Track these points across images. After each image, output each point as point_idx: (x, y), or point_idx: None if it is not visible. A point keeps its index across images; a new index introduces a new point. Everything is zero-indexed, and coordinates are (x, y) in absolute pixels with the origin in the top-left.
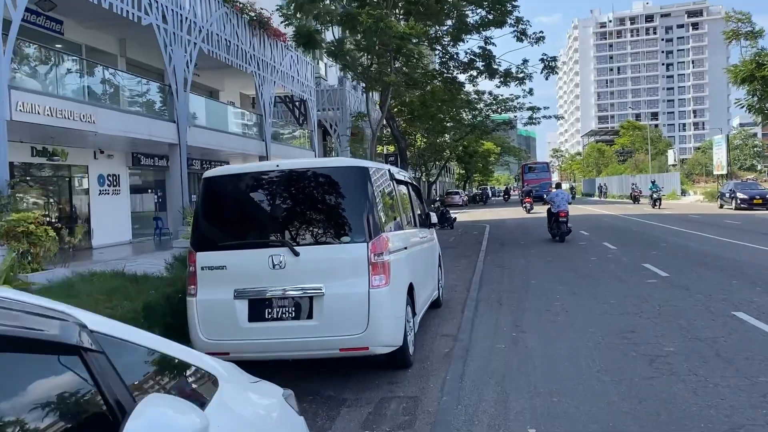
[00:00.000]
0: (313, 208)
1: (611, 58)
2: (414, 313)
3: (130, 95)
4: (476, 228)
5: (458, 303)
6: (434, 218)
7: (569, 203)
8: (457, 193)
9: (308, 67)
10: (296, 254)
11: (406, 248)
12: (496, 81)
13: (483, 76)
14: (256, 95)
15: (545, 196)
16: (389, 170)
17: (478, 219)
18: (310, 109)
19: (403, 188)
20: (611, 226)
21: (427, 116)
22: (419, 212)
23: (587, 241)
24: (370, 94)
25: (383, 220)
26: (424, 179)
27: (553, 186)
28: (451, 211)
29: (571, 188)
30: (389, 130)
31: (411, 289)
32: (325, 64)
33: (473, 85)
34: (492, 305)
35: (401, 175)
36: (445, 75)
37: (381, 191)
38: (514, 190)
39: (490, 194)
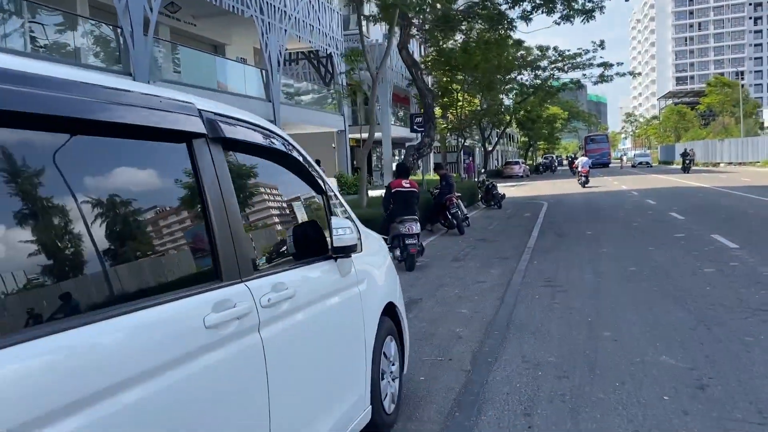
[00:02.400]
0: None
1: (691, 13)
2: None
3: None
4: (530, 207)
5: (446, 393)
6: (345, 237)
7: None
8: (516, 162)
9: (334, 15)
10: None
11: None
12: (556, 16)
13: (539, 10)
14: (260, 46)
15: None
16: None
17: (535, 194)
18: (337, 66)
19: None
20: (713, 206)
21: (469, 65)
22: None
23: (685, 229)
24: (362, 17)
25: None
26: (476, 146)
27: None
28: (509, 183)
29: (621, 156)
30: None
31: None
32: (368, 17)
33: (526, 24)
34: (516, 415)
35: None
36: (489, 8)
37: None
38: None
39: (556, 163)
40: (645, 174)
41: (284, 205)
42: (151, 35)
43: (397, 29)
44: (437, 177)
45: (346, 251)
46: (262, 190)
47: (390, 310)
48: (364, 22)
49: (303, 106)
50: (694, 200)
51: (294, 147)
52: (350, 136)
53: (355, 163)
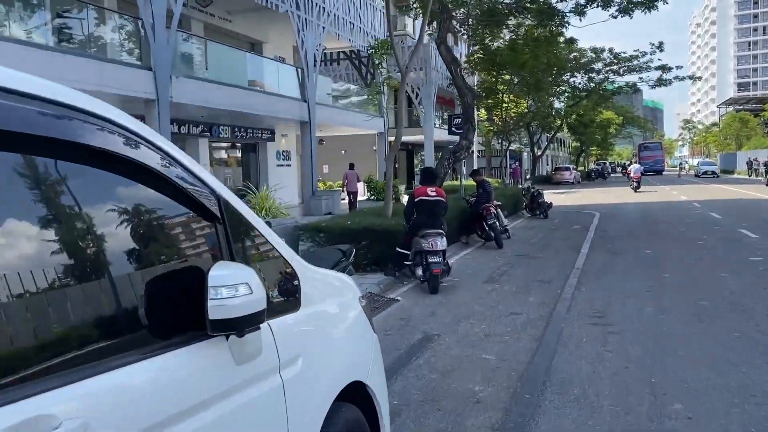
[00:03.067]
0: None
1: (755, 17)
2: None
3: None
4: (580, 218)
5: None
6: (233, 301)
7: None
8: (567, 168)
9: (377, 13)
10: None
11: None
12: (613, 10)
13: (594, 3)
14: (296, 42)
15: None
16: None
17: (586, 203)
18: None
19: None
20: None
21: (516, 64)
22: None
23: (761, 251)
24: (390, 5)
25: None
26: (523, 151)
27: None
28: (559, 190)
29: (680, 164)
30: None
31: None
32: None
33: (580, 19)
34: None
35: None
36: (540, 1)
37: None
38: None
39: (609, 170)
40: (705, 183)
41: (127, 242)
42: (174, 28)
43: (435, 24)
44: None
45: (238, 325)
46: (73, 216)
47: (356, 391)
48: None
49: (342, 108)
50: (766, 215)
51: (153, 145)
52: (391, 138)
53: (397, 166)
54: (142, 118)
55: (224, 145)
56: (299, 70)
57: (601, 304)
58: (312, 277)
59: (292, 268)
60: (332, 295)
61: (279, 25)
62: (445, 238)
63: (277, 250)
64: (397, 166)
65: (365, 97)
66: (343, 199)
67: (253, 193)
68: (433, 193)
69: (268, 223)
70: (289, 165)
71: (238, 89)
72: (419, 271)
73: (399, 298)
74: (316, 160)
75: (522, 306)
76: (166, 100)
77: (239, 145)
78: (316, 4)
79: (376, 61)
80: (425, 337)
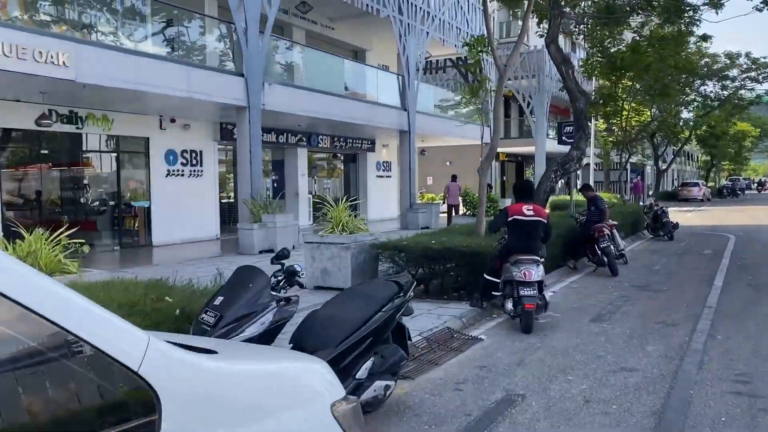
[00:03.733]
0: None
1: None
2: None
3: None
4: (711, 240)
5: None
6: None
7: None
8: (695, 184)
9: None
10: None
11: None
12: (758, 0)
13: None
14: (397, 49)
15: None
16: None
17: (718, 223)
18: (488, 73)
19: None
20: None
21: (639, 66)
22: None
23: None
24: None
25: None
26: (645, 164)
27: None
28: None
29: None
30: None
31: None
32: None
33: (716, 12)
34: None
35: None
36: None
37: None
38: None
39: (743, 186)
40: None
41: None
42: (267, 34)
43: (546, 23)
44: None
45: None
46: None
47: None
48: (509, 17)
49: (445, 117)
50: None
51: None
52: (500, 150)
53: (505, 178)
54: (233, 126)
55: (323, 155)
56: (400, 77)
57: (745, 362)
58: (200, 388)
59: (137, 375)
60: (254, 415)
61: (382, 33)
62: (542, 267)
63: (98, 346)
64: (505, 178)
65: (468, 104)
66: (443, 212)
67: (330, 206)
68: (530, 212)
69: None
70: (389, 176)
71: (335, 97)
72: (509, 305)
73: (483, 336)
74: (415, 171)
75: (637, 358)
76: (257, 107)
77: (340, 155)
78: (420, 8)
79: (470, 60)
80: (506, 397)
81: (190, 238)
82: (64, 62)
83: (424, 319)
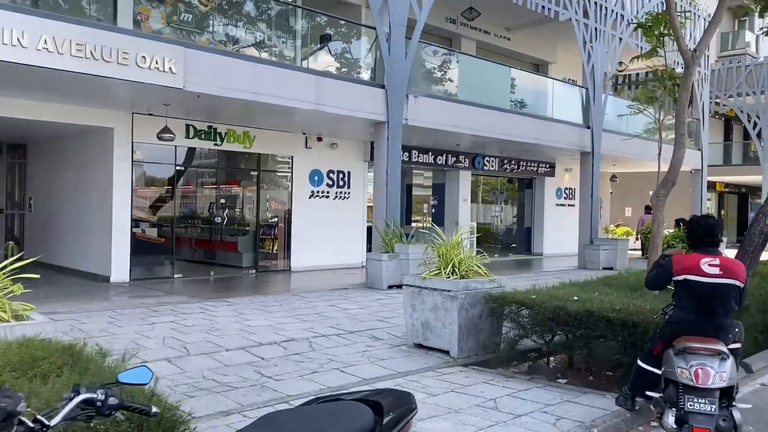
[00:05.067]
0: None
1: None
2: None
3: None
4: None
5: None
6: None
7: None
8: None
9: (704, 23)
10: None
11: None
12: None
13: None
14: (581, 57)
15: None
16: None
17: None
18: (697, 87)
19: None
20: None
21: None
22: None
23: None
24: None
25: None
26: None
27: None
28: None
29: None
30: None
31: None
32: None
33: None
34: None
35: None
36: None
37: None
38: None
39: None
40: None
41: None
42: (415, 39)
43: None
44: None
45: None
46: None
47: None
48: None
49: (643, 137)
50: None
51: None
52: (718, 178)
53: (723, 213)
54: (371, 145)
55: (492, 178)
56: (584, 90)
57: None
58: None
59: None
60: None
61: (567, 43)
62: (731, 363)
63: None
64: (723, 213)
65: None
66: (635, 249)
67: (440, 239)
68: (715, 269)
69: None
70: (572, 205)
71: (496, 111)
72: (669, 419)
73: None
74: (597, 200)
75: None
76: (398, 122)
77: (514, 180)
78: (612, 10)
79: (650, 46)
80: None
81: (333, 265)
82: (170, 68)
83: (529, 422)
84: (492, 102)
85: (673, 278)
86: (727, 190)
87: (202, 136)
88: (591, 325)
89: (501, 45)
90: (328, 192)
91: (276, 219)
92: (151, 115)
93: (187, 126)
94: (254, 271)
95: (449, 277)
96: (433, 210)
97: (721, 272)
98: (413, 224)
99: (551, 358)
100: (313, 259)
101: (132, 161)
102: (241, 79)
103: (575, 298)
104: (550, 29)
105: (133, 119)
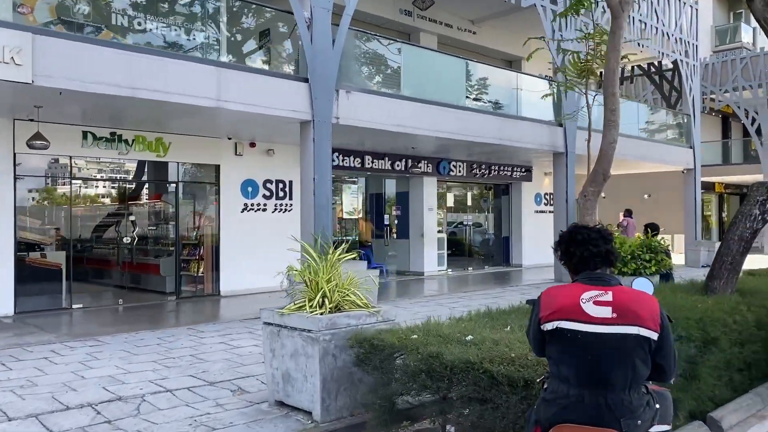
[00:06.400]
0: None
1: None
2: None
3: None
4: None
5: None
6: None
7: None
8: None
9: (686, 10)
10: None
11: None
12: None
13: None
14: (547, 46)
15: None
16: None
17: None
18: (686, 80)
19: None
20: None
21: None
22: None
23: None
24: None
25: None
26: None
27: None
28: None
29: None
30: None
31: None
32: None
33: None
34: None
35: None
36: None
37: None
38: None
39: None
40: None
41: None
42: (344, 27)
43: None
44: None
45: None
46: None
47: None
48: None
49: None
50: None
51: None
52: (717, 179)
53: (725, 216)
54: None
55: (463, 185)
56: (554, 84)
57: None
58: None
59: None
60: None
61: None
62: None
63: None
64: (724, 216)
65: (663, 121)
66: None
67: (311, 257)
68: (604, 311)
69: None
70: (553, 211)
71: (451, 109)
72: None
73: None
74: (573, 204)
75: None
76: (326, 120)
77: (489, 186)
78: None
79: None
80: None
81: (272, 287)
82: (13, 59)
83: None
84: (445, 99)
85: (542, 327)
86: (726, 191)
87: (103, 145)
88: (470, 382)
89: (466, 39)
90: (265, 204)
91: (201, 236)
92: (32, 120)
93: (84, 132)
94: (175, 297)
95: (313, 312)
96: (396, 221)
97: (614, 315)
98: (374, 239)
99: (447, 426)
100: (247, 281)
101: (15, 175)
102: (111, 72)
103: (469, 337)
104: (520, 21)
105: (14, 126)
